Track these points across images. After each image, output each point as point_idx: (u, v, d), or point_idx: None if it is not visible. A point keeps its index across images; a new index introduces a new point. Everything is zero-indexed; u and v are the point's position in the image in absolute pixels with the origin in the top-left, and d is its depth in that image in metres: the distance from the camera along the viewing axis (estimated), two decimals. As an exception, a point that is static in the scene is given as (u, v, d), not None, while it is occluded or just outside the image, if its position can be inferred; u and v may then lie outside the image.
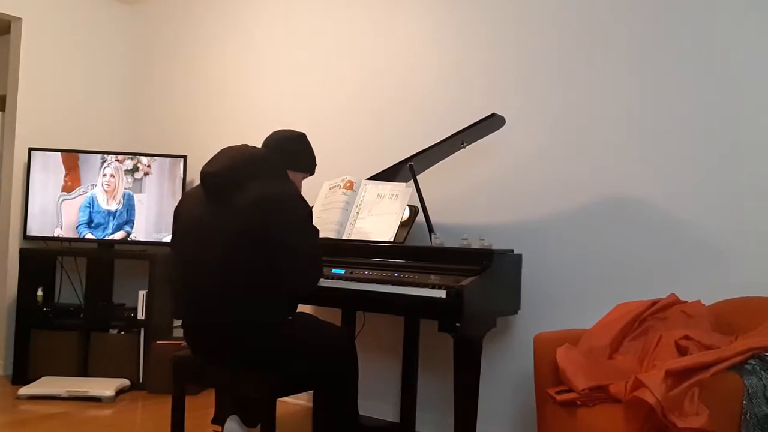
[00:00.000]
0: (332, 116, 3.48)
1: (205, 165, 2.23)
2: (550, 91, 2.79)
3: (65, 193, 3.80)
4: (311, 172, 2.47)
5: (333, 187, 2.93)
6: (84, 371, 3.69)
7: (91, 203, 3.82)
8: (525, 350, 2.77)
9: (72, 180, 3.81)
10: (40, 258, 3.86)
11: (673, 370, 1.74)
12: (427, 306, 2.26)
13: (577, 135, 2.71)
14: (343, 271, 2.58)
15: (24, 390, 3.36)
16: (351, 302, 2.59)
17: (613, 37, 2.65)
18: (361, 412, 2.99)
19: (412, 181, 2.77)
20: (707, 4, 2.44)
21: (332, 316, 3.13)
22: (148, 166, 3.85)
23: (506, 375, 2.83)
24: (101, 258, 3.98)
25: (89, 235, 3.80)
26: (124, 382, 3.57)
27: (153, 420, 3.10)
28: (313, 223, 2.24)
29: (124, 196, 3.83)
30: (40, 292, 3.79)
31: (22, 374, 3.63)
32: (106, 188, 3.83)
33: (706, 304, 2.21)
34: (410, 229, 2.74)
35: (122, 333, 3.75)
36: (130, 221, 3.82)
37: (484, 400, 2.79)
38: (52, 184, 3.79)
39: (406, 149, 3.03)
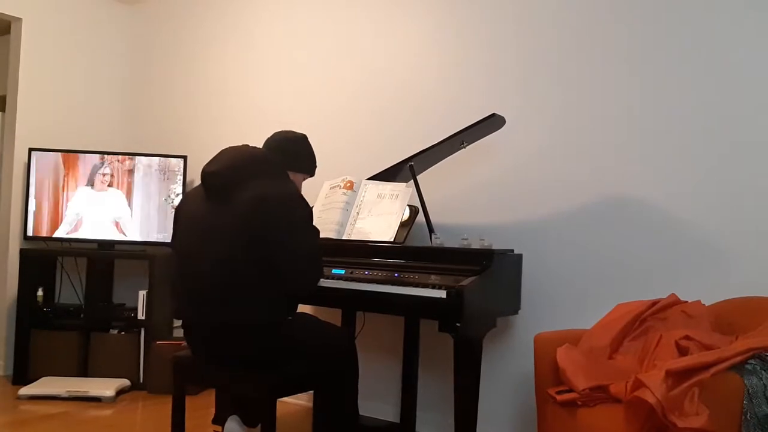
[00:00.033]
0: (332, 116, 3.48)
1: (205, 165, 2.23)
2: (550, 91, 2.79)
3: (66, 192, 3.80)
4: (311, 174, 2.48)
5: (333, 187, 2.93)
6: (84, 371, 3.69)
7: (91, 203, 3.82)
8: (525, 350, 2.77)
9: (72, 180, 3.81)
10: (40, 258, 3.86)
11: (674, 370, 1.74)
12: (427, 306, 2.26)
13: (577, 135, 2.71)
14: (343, 271, 2.58)
15: (24, 390, 3.37)
16: (351, 302, 2.59)
17: (613, 37, 2.65)
18: (361, 412, 2.99)
19: (412, 181, 2.77)
20: (707, 4, 2.44)
21: (332, 316, 3.13)
22: (149, 166, 3.85)
23: (506, 375, 2.83)
24: (101, 258, 3.98)
25: (89, 235, 3.80)
26: (125, 382, 3.57)
27: (153, 420, 3.10)
28: (314, 224, 2.24)
29: (123, 196, 3.83)
30: (40, 292, 3.79)
31: (22, 374, 3.63)
32: (105, 188, 3.83)
33: (706, 304, 2.21)
34: (410, 229, 2.74)
35: (122, 333, 3.75)
36: (128, 221, 3.82)
37: (485, 400, 2.79)
38: (52, 184, 3.79)
39: (406, 149, 3.03)
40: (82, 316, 3.81)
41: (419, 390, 3.02)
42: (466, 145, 2.78)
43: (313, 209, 2.65)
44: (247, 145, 2.31)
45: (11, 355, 3.78)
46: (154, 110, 4.35)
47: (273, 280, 2.09)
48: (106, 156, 3.85)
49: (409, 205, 2.74)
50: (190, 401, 2.90)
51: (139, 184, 3.85)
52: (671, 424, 1.67)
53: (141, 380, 3.65)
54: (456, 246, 2.51)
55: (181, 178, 3.86)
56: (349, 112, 3.42)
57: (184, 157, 3.87)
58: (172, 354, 2.45)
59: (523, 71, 2.86)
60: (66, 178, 3.82)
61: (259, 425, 2.43)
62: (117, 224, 3.83)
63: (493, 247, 2.45)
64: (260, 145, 2.38)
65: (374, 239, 2.67)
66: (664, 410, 1.67)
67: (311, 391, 2.98)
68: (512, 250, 2.61)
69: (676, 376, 1.73)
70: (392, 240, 2.63)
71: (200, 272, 2.12)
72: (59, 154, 3.82)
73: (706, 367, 1.75)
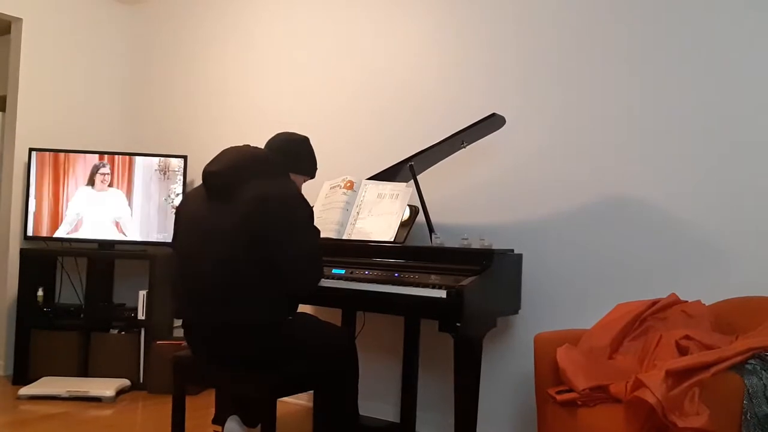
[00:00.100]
0: (332, 116, 3.48)
1: (207, 165, 2.24)
2: (550, 91, 2.79)
3: (66, 192, 3.80)
4: (312, 176, 2.48)
5: (333, 187, 2.93)
6: (84, 371, 3.69)
7: (91, 203, 3.82)
8: (525, 350, 2.77)
9: (72, 180, 3.81)
10: (41, 258, 3.86)
11: (674, 370, 1.74)
12: (427, 306, 2.26)
13: (577, 135, 2.71)
14: (343, 271, 2.58)
15: (24, 390, 3.37)
16: (351, 302, 2.59)
17: (613, 37, 2.65)
18: (361, 412, 2.99)
19: (412, 181, 2.77)
20: (707, 4, 2.45)
21: (332, 316, 3.13)
22: (149, 166, 3.85)
23: (506, 375, 2.84)
24: (101, 258, 3.98)
25: (89, 235, 3.80)
26: (125, 382, 3.57)
27: (153, 420, 3.10)
28: (314, 224, 2.24)
29: (124, 196, 3.83)
30: (40, 293, 3.79)
31: (22, 374, 3.63)
32: (105, 188, 3.83)
33: (707, 304, 2.21)
34: (410, 229, 2.74)
35: (122, 333, 3.75)
36: (128, 221, 3.82)
37: (485, 400, 2.79)
38: (52, 184, 3.79)
39: (406, 149, 3.03)
40: (82, 316, 3.81)
41: (419, 390, 3.02)
42: (466, 145, 2.79)
43: (314, 209, 2.65)
44: (249, 146, 2.31)
45: (11, 355, 3.78)
46: (154, 110, 4.35)
47: (274, 280, 2.09)
48: (106, 156, 3.85)
49: (409, 205, 2.74)
50: (190, 401, 2.90)
51: (139, 184, 3.85)
52: (671, 424, 1.67)
53: (141, 380, 3.65)
54: (456, 246, 2.51)
55: (181, 178, 3.86)
56: (349, 112, 3.42)
57: (184, 157, 3.87)
58: (172, 354, 2.45)
59: (523, 71, 2.86)
60: (66, 178, 3.82)
61: (260, 425, 2.43)
62: (117, 224, 3.83)
63: (493, 247, 2.45)
64: (261, 146, 2.39)
65: (374, 239, 2.67)
66: (664, 410, 1.67)
67: (311, 391, 2.98)
68: (512, 250, 2.61)
69: (676, 376, 1.73)
70: (392, 240, 2.64)
71: (201, 272, 2.12)
72: (59, 154, 3.82)
73: (706, 366, 1.75)
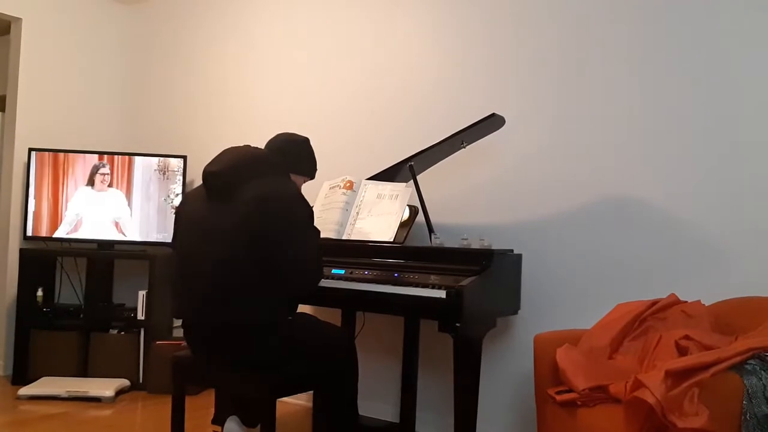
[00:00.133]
0: (332, 116, 3.48)
1: (207, 165, 2.24)
2: (549, 91, 2.79)
3: (65, 192, 3.80)
4: (312, 177, 2.48)
5: (333, 187, 2.93)
6: (84, 371, 3.69)
7: (91, 203, 3.82)
8: (525, 350, 2.77)
9: (72, 180, 3.81)
10: (40, 258, 3.86)
11: (673, 370, 1.74)
12: (427, 306, 2.26)
13: (577, 135, 2.71)
14: (343, 272, 2.58)
15: (24, 390, 3.36)
16: (351, 302, 2.59)
17: (613, 37, 2.65)
18: (361, 413, 2.99)
19: (412, 181, 2.77)
20: (707, 4, 2.44)
21: (332, 316, 3.13)
22: (148, 166, 3.85)
23: (506, 375, 2.83)
24: (101, 258, 3.98)
25: (89, 235, 3.80)
26: (124, 382, 3.57)
27: (153, 420, 3.10)
28: (314, 224, 2.24)
29: (123, 196, 3.83)
30: (40, 293, 3.79)
31: (22, 374, 3.63)
32: (105, 188, 3.83)
33: (706, 304, 2.21)
34: (410, 229, 2.74)
35: (122, 333, 3.75)
36: (128, 221, 3.82)
37: (484, 400, 2.79)
38: (52, 184, 3.79)
39: (406, 149, 3.03)
40: (81, 316, 3.81)
41: (419, 390, 3.02)
42: (466, 145, 2.78)
43: (313, 209, 2.65)
44: (249, 146, 2.31)
45: (11, 355, 3.77)
46: (154, 110, 4.35)
47: (273, 281, 2.09)
48: (105, 156, 3.85)
49: (408, 205, 2.74)
50: (189, 401, 2.89)
51: (139, 184, 3.85)
52: (671, 425, 1.67)
53: (141, 380, 3.65)
54: (456, 246, 2.51)
55: (181, 178, 3.86)
56: (348, 112, 3.42)
57: (184, 157, 3.87)
58: (171, 354, 2.44)
59: (523, 71, 2.86)
60: (66, 178, 3.82)
61: (259, 425, 2.43)
62: (117, 224, 3.83)
63: (493, 247, 2.45)
64: (261, 146, 2.39)
65: (374, 239, 2.67)
66: (663, 410, 1.67)
67: (311, 392, 2.98)
68: (512, 250, 2.61)
69: (676, 376, 1.73)
70: (392, 240, 2.63)
71: (201, 272, 2.12)
72: (59, 154, 3.82)
73: (706, 367, 1.75)
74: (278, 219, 2.09)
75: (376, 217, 2.73)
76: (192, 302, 2.16)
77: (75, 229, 3.80)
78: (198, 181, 2.31)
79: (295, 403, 3.44)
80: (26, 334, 3.66)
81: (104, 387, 3.41)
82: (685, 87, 2.48)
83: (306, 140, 2.44)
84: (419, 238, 2.93)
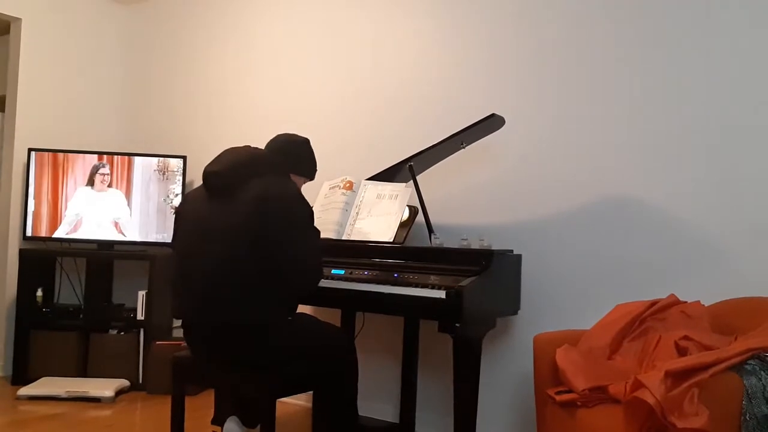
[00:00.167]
0: (332, 116, 3.48)
1: (207, 165, 2.24)
2: (550, 91, 2.79)
3: (65, 193, 3.80)
4: (311, 178, 2.48)
5: (332, 188, 2.93)
6: (83, 372, 3.68)
7: (90, 203, 3.82)
8: (525, 351, 2.77)
9: (71, 180, 3.81)
10: (40, 258, 3.86)
11: (673, 370, 1.74)
12: (426, 306, 2.26)
13: (577, 135, 2.71)
14: (342, 272, 2.58)
15: (23, 390, 3.36)
16: (350, 303, 2.58)
17: (613, 37, 2.64)
18: (360, 413, 2.99)
19: (411, 182, 2.77)
20: (708, 4, 2.44)
21: (332, 316, 3.12)
22: (148, 166, 3.85)
23: (506, 375, 2.83)
24: (101, 258, 3.98)
25: (89, 236, 3.80)
26: (124, 382, 3.57)
27: (153, 420, 3.10)
28: (314, 224, 2.24)
29: (123, 197, 3.83)
30: (39, 293, 3.79)
31: (21, 375, 3.62)
32: (105, 188, 3.83)
33: (706, 305, 2.21)
34: (410, 229, 2.74)
35: (122, 333, 3.74)
36: (127, 222, 3.82)
37: (484, 401, 2.78)
38: (51, 185, 3.79)
39: (405, 149, 3.03)
40: (81, 316, 3.81)
41: (419, 390, 3.02)
42: (466, 146, 2.78)
43: (313, 209, 2.65)
44: (249, 146, 2.32)
45: (11, 355, 3.77)
46: (154, 110, 4.35)
47: (273, 281, 2.09)
48: (105, 156, 3.85)
49: (408, 206, 2.73)
50: (189, 401, 2.89)
51: (139, 184, 3.85)
52: (671, 425, 1.67)
53: (140, 381, 3.65)
54: (455, 246, 2.51)
55: (181, 178, 3.86)
56: (349, 112, 3.42)
57: (184, 158, 3.87)
58: (171, 354, 2.44)
59: (523, 71, 2.86)
60: (65, 178, 3.81)
61: (259, 426, 2.43)
62: (116, 224, 3.83)
63: (493, 248, 2.45)
64: (262, 146, 2.39)
65: (374, 239, 2.67)
66: (663, 411, 1.67)
67: (311, 392, 2.98)
68: (512, 251, 2.61)
69: (676, 377, 1.73)
70: (392, 240, 2.63)
71: (201, 272, 2.12)
72: (58, 154, 3.82)
73: (706, 367, 1.75)
74: (278, 219, 2.09)
75: (376, 217, 2.73)
76: (192, 302, 2.16)
77: (75, 229, 3.80)
78: (198, 182, 2.31)
79: (295, 404, 3.44)
80: (26, 334, 3.66)
81: (104, 387, 3.41)
82: (685, 87, 2.48)
83: (306, 141, 2.45)
84: (419, 239, 2.93)
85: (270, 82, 3.77)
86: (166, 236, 3.78)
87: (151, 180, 3.86)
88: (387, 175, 2.89)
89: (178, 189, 3.86)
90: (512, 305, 2.60)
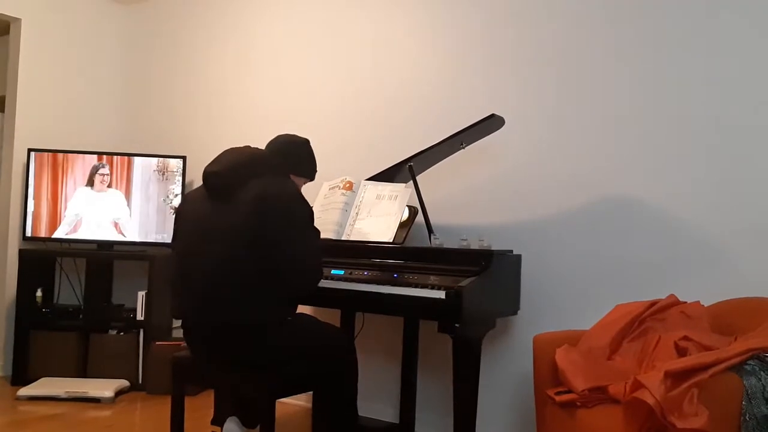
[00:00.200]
0: (332, 116, 3.48)
1: (207, 165, 2.25)
2: (549, 91, 2.79)
3: (65, 193, 3.80)
4: (311, 178, 2.48)
5: (332, 188, 2.93)
6: (83, 372, 3.68)
7: (90, 204, 3.82)
8: (524, 351, 2.77)
9: (71, 180, 3.81)
10: (40, 259, 3.86)
11: (673, 371, 1.74)
12: (426, 307, 2.26)
13: (577, 135, 2.71)
14: (342, 272, 2.58)
15: (23, 391, 3.36)
16: (350, 303, 2.58)
17: (613, 37, 2.64)
18: (360, 413, 2.99)
19: (411, 182, 2.77)
20: (708, 4, 2.44)
21: (331, 317, 3.12)
22: (148, 166, 3.85)
23: (506, 376, 2.83)
24: (100, 259, 3.98)
25: (88, 236, 3.80)
26: (124, 383, 3.57)
27: (152, 421, 3.10)
28: (314, 224, 2.24)
29: (123, 197, 3.83)
30: (39, 293, 3.78)
31: (21, 375, 3.62)
32: (104, 189, 3.82)
33: (706, 305, 2.21)
34: (409, 229, 2.74)
35: (121, 334, 3.74)
36: (127, 222, 3.82)
37: (484, 401, 2.78)
38: (51, 185, 3.79)
39: (405, 150, 3.03)
40: (81, 316, 3.81)
41: (418, 391, 3.02)
42: (465, 146, 2.78)
43: (313, 209, 2.65)
44: (249, 147, 2.32)
45: (10, 355, 3.77)
46: (154, 110, 4.35)
47: (273, 281, 2.09)
48: (105, 156, 3.85)
49: (408, 206, 2.73)
50: (189, 402, 2.89)
51: (138, 184, 3.85)
52: (670, 425, 1.67)
53: (140, 381, 3.64)
54: (455, 246, 2.51)
55: (180, 178, 3.86)
56: (348, 113, 3.42)
57: (183, 158, 3.87)
58: (171, 355, 2.44)
59: (523, 71, 2.86)
60: (65, 179, 3.81)
61: (259, 426, 2.43)
62: (116, 225, 3.83)
63: (492, 248, 2.45)
64: (261, 146, 2.39)
65: (373, 240, 2.67)
66: (663, 411, 1.67)
67: (310, 392, 2.98)
68: (511, 251, 2.61)
69: (675, 377, 1.73)
70: (391, 240, 2.63)
71: (201, 272, 2.12)
72: (58, 154, 3.81)
73: (705, 367, 1.75)
74: (277, 218, 2.09)
75: (376, 217, 2.72)
76: (192, 302, 2.16)
77: (74, 229, 3.80)
78: (197, 182, 2.31)
79: (294, 404, 3.44)
80: (25, 334, 3.66)
81: (104, 387, 3.41)
82: (685, 87, 2.48)
83: (306, 142, 2.45)
84: (419, 239, 2.93)
85: (270, 82, 3.77)
86: (166, 236, 3.78)
87: (150, 180, 3.85)
88: (387, 176, 2.89)
89: (178, 189, 3.85)
90: (512, 305, 2.60)
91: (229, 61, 3.97)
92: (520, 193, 2.84)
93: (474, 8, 3.01)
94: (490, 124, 2.63)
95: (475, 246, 2.50)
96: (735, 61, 2.38)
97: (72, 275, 4.07)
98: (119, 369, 3.65)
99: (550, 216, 2.76)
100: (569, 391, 1.97)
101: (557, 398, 1.99)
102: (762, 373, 1.76)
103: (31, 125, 3.97)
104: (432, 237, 2.61)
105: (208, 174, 2.21)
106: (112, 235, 3.82)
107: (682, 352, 1.93)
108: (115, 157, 3.85)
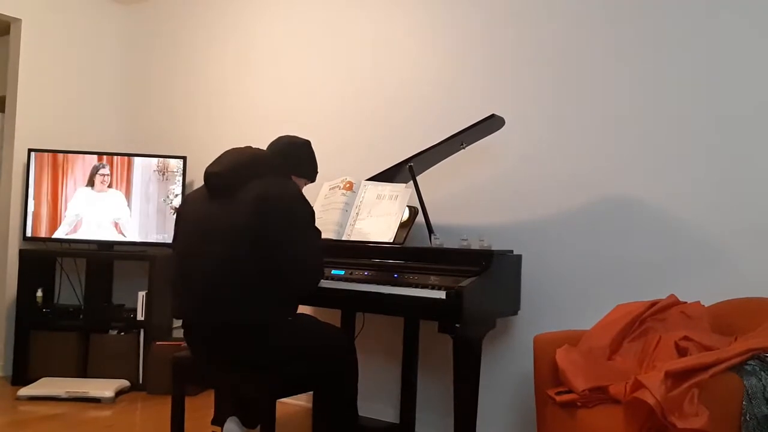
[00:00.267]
0: (332, 116, 3.48)
1: (208, 166, 2.25)
2: (549, 91, 2.79)
3: (65, 193, 3.80)
4: (312, 179, 2.49)
5: (332, 188, 2.93)
6: (83, 372, 3.68)
7: (90, 204, 3.82)
8: (525, 351, 2.77)
9: (71, 180, 3.81)
10: (40, 259, 3.86)
11: (673, 371, 1.74)
12: (426, 307, 2.26)
13: (577, 135, 2.71)
14: (342, 272, 2.58)
15: (24, 391, 3.36)
16: (351, 303, 2.58)
17: (613, 37, 2.64)
18: (360, 413, 2.99)
19: (411, 182, 2.77)
20: (708, 4, 2.44)
21: (332, 317, 3.13)
22: (148, 166, 3.85)
23: (506, 376, 2.83)
24: (101, 259, 3.98)
25: (89, 236, 3.80)
26: (124, 383, 3.57)
27: (153, 421, 3.10)
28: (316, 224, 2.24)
29: (123, 197, 3.83)
30: (39, 293, 3.79)
31: (21, 375, 3.62)
32: (105, 189, 3.83)
33: (706, 305, 2.21)
34: (410, 229, 2.74)
35: (122, 334, 3.74)
36: (127, 222, 3.82)
37: (484, 401, 2.79)
38: (51, 185, 3.79)
39: (405, 150, 3.03)
40: (81, 316, 3.81)
41: (419, 391, 3.02)
42: (465, 146, 2.78)
43: (314, 209, 2.65)
44: (250, 147, 2.32)
45: (10, 355, 3.77)
46: (154, 110, 4.35)
47: (274, 281, 2.09)
48: (105, 156, 3.85)
49: (408, 206, 2.73)
50: (189, 402, 2.90)
51: (139, 184, 3.85)
52: (671, 425, 1.67)
53: (140, 381, 3.65)
54: (455, 247, 2.51)
55: (181, 178, 3.86)
56: (348, 113, 3.42)
57: (184, 158, 3.87)
58: (171, 355, 2.44)
59: (523, 71, 2.86)
60: (65, 179, 3.81)
61: (259, 426, 2.43)
62: (116, 225, 3.83)
63: (493, 248, 2.45)
64: (262, 147, 2.39)
65: (374, 240, 2.67)
66: (663, 411, 1.67)
67: (311, 392, 2.98)
68: (511, 251, 2.61)
69: (676, 377, 1.73)
70: (392, 241, 2.63)
71: (202, 272, 2.12)
72: (58, 154, 3.82)
73: (706, 368, 1.75)
74: (278, 219, 2.09)
75: (376, 217, 2.73)
76: (192, 302, 2.16)
77: (74, 229, 3.80)
78: (197, 182, 2.32)
79: (295, 404, 3.44)
80: (26, 334, 3.66)
81: (104, 388, 3.41)
82: (685, 87, 2.48)
83: (307, 143, 2.45)
84: (419, 239, 2.93)
85: (270, 82, 3.77)
86: (166, 237, 3.78)
87: (150, 180, 3.86)
88: (387, 176, 2.89)
89: (178, 189, 3.85)
90: (512, 305, 2.60)
91: (229, 61, 3.97)
92: (520, 193, 2.84)
93: (474, 8, 3.01)
94: (490, 124, 2.63)
95: (475, 246, 2.50)
96: (735, 61, 2.38)
97: (72, 275, 4.07)
98: (119, 369, 3.65)
99: (550, 216, 2.76)
100: (570, 391, 1.97)
101: (558, 398, 1.99)
102: (762, 373, 1.76)
103: (31, 125, 3.97)
104: (432, 237, 2.61)
105: (209, 174, 2.21)
106: (112, 236, 3.82)
107: (682, 352, 1.93)
108: (115, 157, 3.85)
